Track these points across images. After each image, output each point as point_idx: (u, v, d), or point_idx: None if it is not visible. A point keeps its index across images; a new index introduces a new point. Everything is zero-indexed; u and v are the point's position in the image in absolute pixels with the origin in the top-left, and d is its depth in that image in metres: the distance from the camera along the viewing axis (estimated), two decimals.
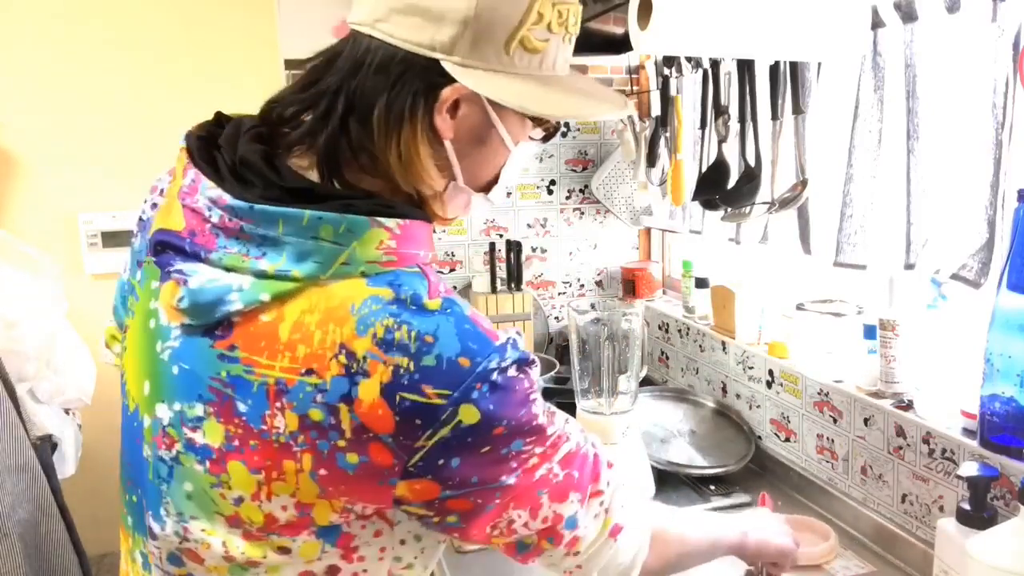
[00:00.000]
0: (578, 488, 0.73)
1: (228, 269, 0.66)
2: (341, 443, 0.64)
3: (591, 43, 2.03)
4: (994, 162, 1.08)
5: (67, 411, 1.73)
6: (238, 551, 0.69)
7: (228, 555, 0.69)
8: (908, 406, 1.24)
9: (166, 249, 0.70)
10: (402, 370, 0.63)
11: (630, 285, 2.22)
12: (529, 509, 0.70)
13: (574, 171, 2.24)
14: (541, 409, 0.69)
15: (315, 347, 0.64)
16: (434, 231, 0.78)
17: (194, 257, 0.67)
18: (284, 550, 0.69)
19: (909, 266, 1.24)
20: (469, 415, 0.64)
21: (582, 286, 2.30)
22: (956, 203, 1.16)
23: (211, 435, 0.68)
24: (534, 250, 2.24)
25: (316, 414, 0.63)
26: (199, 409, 0.68)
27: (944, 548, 1.02)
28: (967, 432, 1.12)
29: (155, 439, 0.72)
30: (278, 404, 0.64)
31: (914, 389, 1.26)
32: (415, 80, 0.68)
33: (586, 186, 2.24)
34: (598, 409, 1.43)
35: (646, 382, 1.74)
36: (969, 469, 1.01)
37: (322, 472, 0.65)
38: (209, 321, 0.67)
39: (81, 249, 1.93)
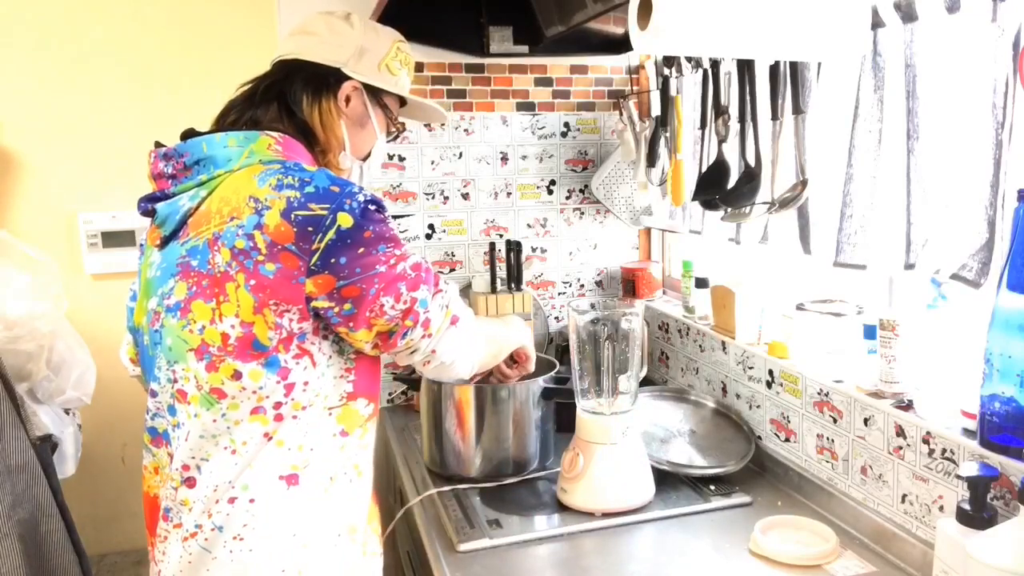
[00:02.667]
0: (426, 283, 1.03)
1: (179, 194, 1.03)
2: (260, 258, 0.95)
3: (591, 43, 2.04)
4: (994, 162, 1.08)
5: (67, 411, 1.73)
6: (203, 380, 0.97)
7: (200, 385, 0.98)
8: (908, 406, 1.24)
9: (147, 202, 1.07)
10: (292, 199, 0.95)
11: (630, 285, 2.22)
12: (394, 296, 0.99)
13: (574, 171, 2.24)
14: (395, 231, 1.02)
15: (233, 204, 0.98)
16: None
17: (163, 199, 1.05)
18: (237, 375, 0.96)
19: (909, 266, 1.24)
20: (345, 220, 0.95)
21: (582, 286, 2.30)
22: (956, 203, 1.16)
23: (179, 293, 1.00)
24: (534, 250, 2.24)
25: (240, 243, 0.95)
26: (171, 283, 1.01)
27: (944, 548, 1.02)
28: (967, 432, 1.12)
29: (149, 325, 1.05)
30: (215, 247, 0.97)
31: (914, 389, 1.26)
32: (326, 77, 1.14)
33: (586, 186, 2.24)
34: (598, 409, 1.44)
35: (646, 382, 1.74)
36: (969, 469, 1.01)
37: (252, 283, 0.95)
38: (175, 227, 1.03)
39: (81, 249, 1.93)
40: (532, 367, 1.43)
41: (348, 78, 1.14)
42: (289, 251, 0.94)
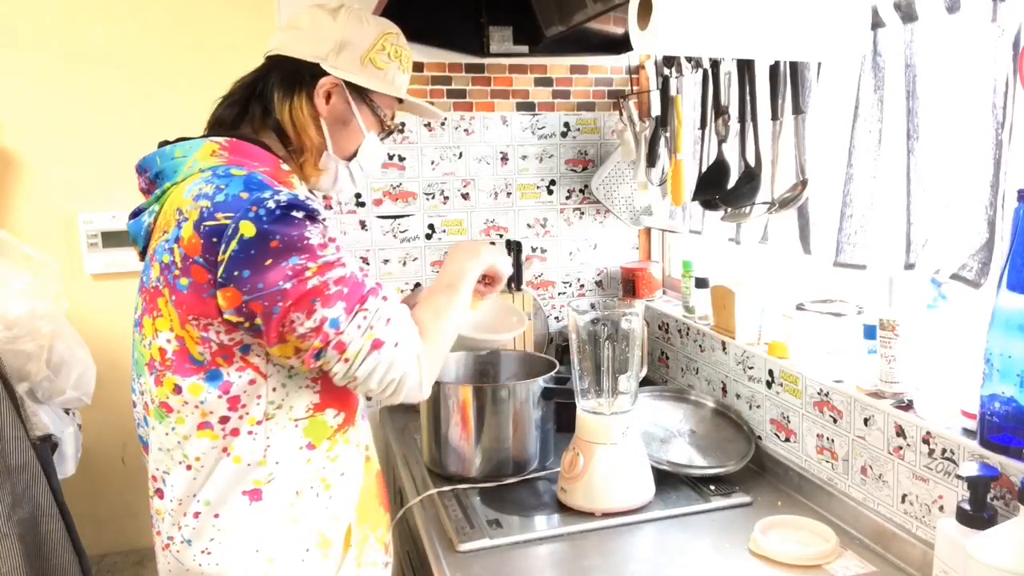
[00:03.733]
0: (345, 299, 0.93)
1: (145, 210, 1.03)
2: (177, 272, 0.93)
3: (591, 43, 2.04)
4: (994, 162, 1.08)
5: (67, 411, 1.73)
6: (153, 394, 0.99)
7: (152, 399, 0.99)
8: (908, 406, 1.24)
9: (132, 217, 1.07)
10: (204, 210, 0.91)
11: (630, 285, 2.22)
12: (305, 312, 0.91)
13: (574, 171, 2.24)
14: (317, 240, 0.92)
15: (168, 217, 0.97)
16: (314, 180, 1.14)
17: (138, 214, 1.05)
18: (177, 389, 0.95)
19: (909, 266, 1.24)
20: (247, 230, 0.89)
21: (582, 286, 2.30)
22: (956, 203, 1.16)
23: (138, 308, 1.02)
24: (534, 250, 2.24)
25: (166, 258, 0.94)
26: (137, 298, 1.03)
27: (944, 548, 1.02)
28: (967, 432, 1.12)
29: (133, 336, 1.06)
30: (152, 262, 0.97)
31: (914, 389, 1.26)
32: (302, 73, 1.08)
33: (586, 186, 2.24)
34: (598, 409, 1.44)
35: (646, 382, 1.74)
36: (969, 469, 1.01)
37: (173, 298, 0.93)
38: (144, 244, 1.03)
39: (81, 249, 1.93)
40: (504, 278, 1.26)
41: (326, 74, 1.08)
42: (198, 264, 0.91)
